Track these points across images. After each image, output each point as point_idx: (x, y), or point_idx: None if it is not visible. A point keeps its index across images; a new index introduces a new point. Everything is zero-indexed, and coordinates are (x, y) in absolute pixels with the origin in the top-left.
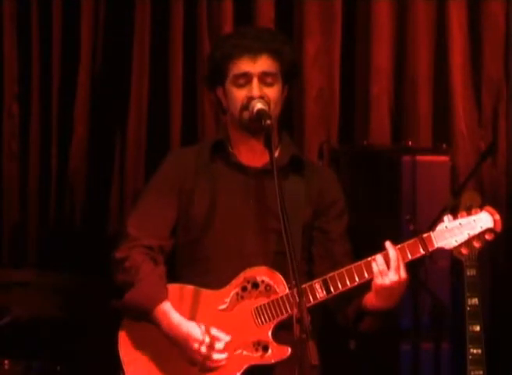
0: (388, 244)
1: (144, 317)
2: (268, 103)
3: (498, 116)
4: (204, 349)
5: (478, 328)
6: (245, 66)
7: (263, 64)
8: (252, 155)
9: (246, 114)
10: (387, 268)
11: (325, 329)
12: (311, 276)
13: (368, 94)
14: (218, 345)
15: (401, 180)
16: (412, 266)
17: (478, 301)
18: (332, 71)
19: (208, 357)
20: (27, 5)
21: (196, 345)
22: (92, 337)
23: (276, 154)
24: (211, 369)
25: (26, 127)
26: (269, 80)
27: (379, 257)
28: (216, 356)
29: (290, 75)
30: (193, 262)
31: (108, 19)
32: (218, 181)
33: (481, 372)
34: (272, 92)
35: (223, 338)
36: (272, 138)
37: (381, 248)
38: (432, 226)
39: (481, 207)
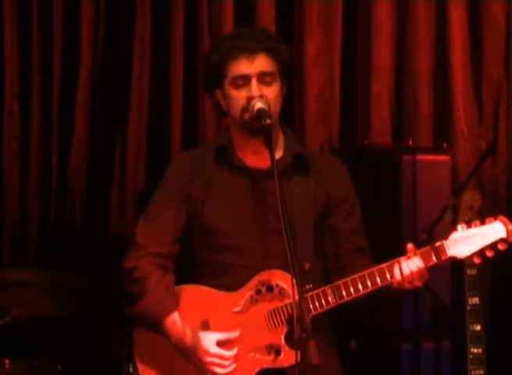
0: (410, 246)
1: (155, 329)
2: (267, 102)
3: (498, 115)
4: (212, 360)
5: (478, 327)
6: (243, 67)
7: (260, 64)
8: (256, 156)
9: (247, 115)
10: (401, 277)
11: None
12: (326, 273)
13: (368, 93)
14: (227, 354)
15: (401, 180)
16: None
17: (478, 301)
18: (333, 70)
19: (217, 366)
20: (28, 4)
21: (207, 358)
22: (92, 337)
23: (280, 154)
24: None
25: (26, 127)
26: (268, 79)
27: (397, 271)
28: (227, 367)
29: (288, 74)
30: (209, 266)
31: (109, 19)
32: (225, 186)
33: (481, 371)
34: (271, 91)
35: (232, 347)
36: (273, 138)
37: (381, 247)
38: (432, 226)
39: (494, 216)
